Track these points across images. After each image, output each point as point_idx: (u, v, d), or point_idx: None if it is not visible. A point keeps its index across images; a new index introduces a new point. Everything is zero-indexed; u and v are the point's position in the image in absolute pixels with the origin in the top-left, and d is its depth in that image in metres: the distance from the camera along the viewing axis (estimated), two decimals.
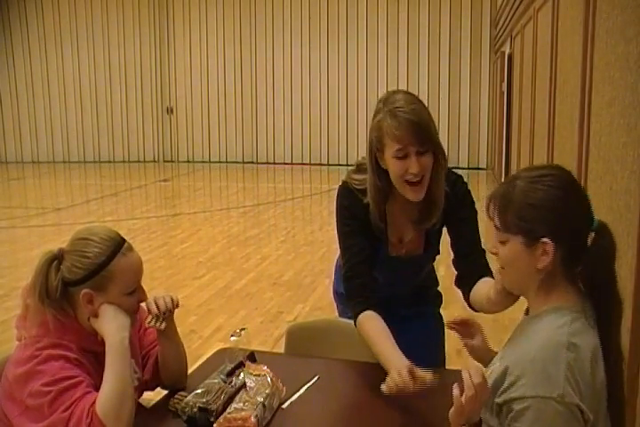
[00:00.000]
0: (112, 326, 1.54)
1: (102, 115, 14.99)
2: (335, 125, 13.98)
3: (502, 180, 9.68)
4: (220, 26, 14.31)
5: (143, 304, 1.68)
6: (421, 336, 2.04)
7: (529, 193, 1.25)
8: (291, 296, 5.06)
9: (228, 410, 1.51)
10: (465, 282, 1.83)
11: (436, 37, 13.21)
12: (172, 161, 15.00)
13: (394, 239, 1.92)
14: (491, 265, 1.85)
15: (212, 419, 1.50)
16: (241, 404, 1.53)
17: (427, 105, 1.78)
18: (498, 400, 1.22)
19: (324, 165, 14.01)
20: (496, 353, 1.40)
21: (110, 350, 1.52)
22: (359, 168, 1.88)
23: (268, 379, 1.63)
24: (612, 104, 2.44)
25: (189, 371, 1.83)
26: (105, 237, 1.58)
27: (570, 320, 1.23)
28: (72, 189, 11.82)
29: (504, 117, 9.70)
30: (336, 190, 1.93)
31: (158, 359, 1.76)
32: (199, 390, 1.55)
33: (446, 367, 2.19)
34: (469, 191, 1.92)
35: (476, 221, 1.91)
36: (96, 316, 1.56)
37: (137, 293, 1.63)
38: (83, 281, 1.55)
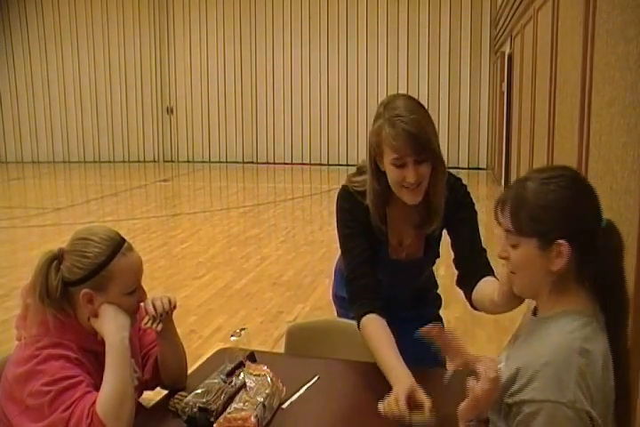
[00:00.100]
0: (112, 325, 1.54)
1: (102, 115, 14.99)
2: (335, 125, 13.99)
3: (502, 180, 9.69)
4: (220, 26, 14.31)
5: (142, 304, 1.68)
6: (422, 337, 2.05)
7: (542, 195, 1.24)
8: (291, 296, 5.06)
9: (228, 410, 1.51)
10: (466, 282, 1.83)
11: (436, 37, 13.21)
12: (171, 161, 15.01)
13: (394, 242, 1.92)
14: (491, 264, 1.86)
15: (212, 419, 1.50)
16: (241, 404, 1.53)
17: (427, 105, 1.78)
18: (508, 401, 1.22)
19: (324, 165, 14.01)
20: (473, 356, 1.38)
21: (110, 350, 1.52)
22: (359, 171, 1.89)
23: (268, 379, 1.63)
24: (612, 104, 2.44)
25: (189, 371, 1.83)
26: (105, 236, 1.58)
27: (581, 325, 1.22)
28: (72, 189, 11.83)
29: (504, 117, 9.70)
30: (336, 191, 1.94)
31: (158, 359, 1.76)
32: (199, 390, 1.55)
33: (447, 368, 2.19)
34: (468, 193, 1.92)
35: (476, 222, 1.91)
36: (96, 316, 1.56)
37: (137, 292, 1.63)
38: (83, 281, 1.55)
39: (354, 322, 1.83)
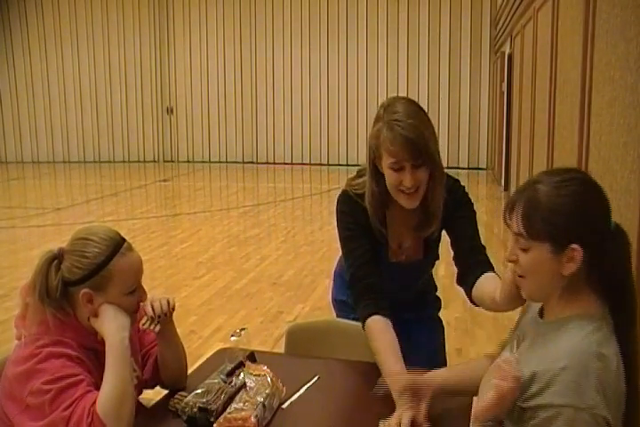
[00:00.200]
0: (112, 325, 1.54)
1: (102, 115, 14.99)
2: (335, 126, 13.99)
3: (502, 180, 9.69)
4: (220, 26, 14.31)
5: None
6: (422, 339, 2.06)
7: (556, 199, 1.22)
8: (291, 296, 5.05)
9: (228, 410, 1.51)
10: (466, 279, 1.82)
11: (435, 37, 13.22)
12: (172, 161, 15.01)
13: (393, 245, 1.93)
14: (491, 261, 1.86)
15: (212, 419, 1.50)
16: (241, 404, 1.53)
17: (427, 105, 1.80)
18: (523, 405, 1.20)
19: (324, 165, 14.02)
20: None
21: (110, 349, 1.51)
22: (359, 174, 1.90)
23: (268, 379, 1.63)
24: (612, 104, 2.44)
25: (189, 371, 1.83)
26: (104, 236, 1.58)
27: (594, 329, 1.21)
28: (72, 189, 11.82)
29: (504, 117, 9.70)
30: (336, 191, 1.94)
31: (158, 359, 1.76)
32: (199, 390, 1.55)
33: None
34: (467, 193, 1.93)
35: (475, 221, 1.92)
36: (96, 316, 1.56)
37: (137, 292, 1.62)
38: (82, 281, 1.55)
39: (354, 322, 1.83)
